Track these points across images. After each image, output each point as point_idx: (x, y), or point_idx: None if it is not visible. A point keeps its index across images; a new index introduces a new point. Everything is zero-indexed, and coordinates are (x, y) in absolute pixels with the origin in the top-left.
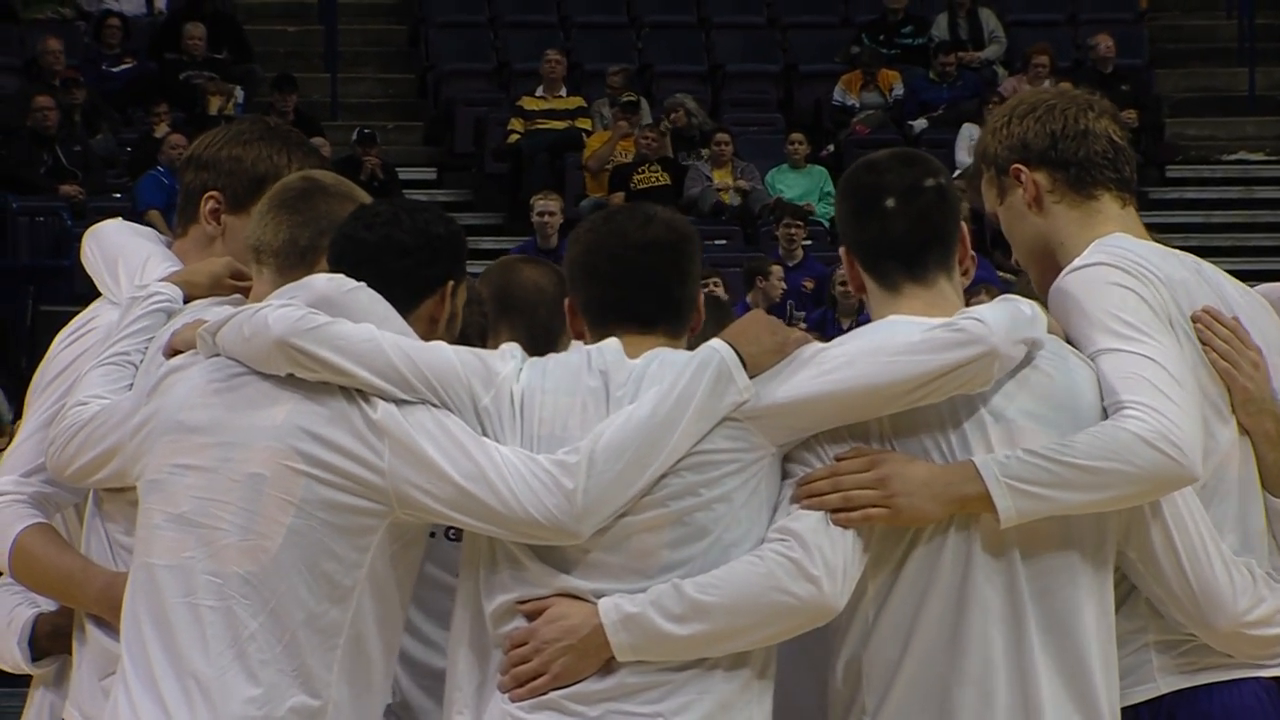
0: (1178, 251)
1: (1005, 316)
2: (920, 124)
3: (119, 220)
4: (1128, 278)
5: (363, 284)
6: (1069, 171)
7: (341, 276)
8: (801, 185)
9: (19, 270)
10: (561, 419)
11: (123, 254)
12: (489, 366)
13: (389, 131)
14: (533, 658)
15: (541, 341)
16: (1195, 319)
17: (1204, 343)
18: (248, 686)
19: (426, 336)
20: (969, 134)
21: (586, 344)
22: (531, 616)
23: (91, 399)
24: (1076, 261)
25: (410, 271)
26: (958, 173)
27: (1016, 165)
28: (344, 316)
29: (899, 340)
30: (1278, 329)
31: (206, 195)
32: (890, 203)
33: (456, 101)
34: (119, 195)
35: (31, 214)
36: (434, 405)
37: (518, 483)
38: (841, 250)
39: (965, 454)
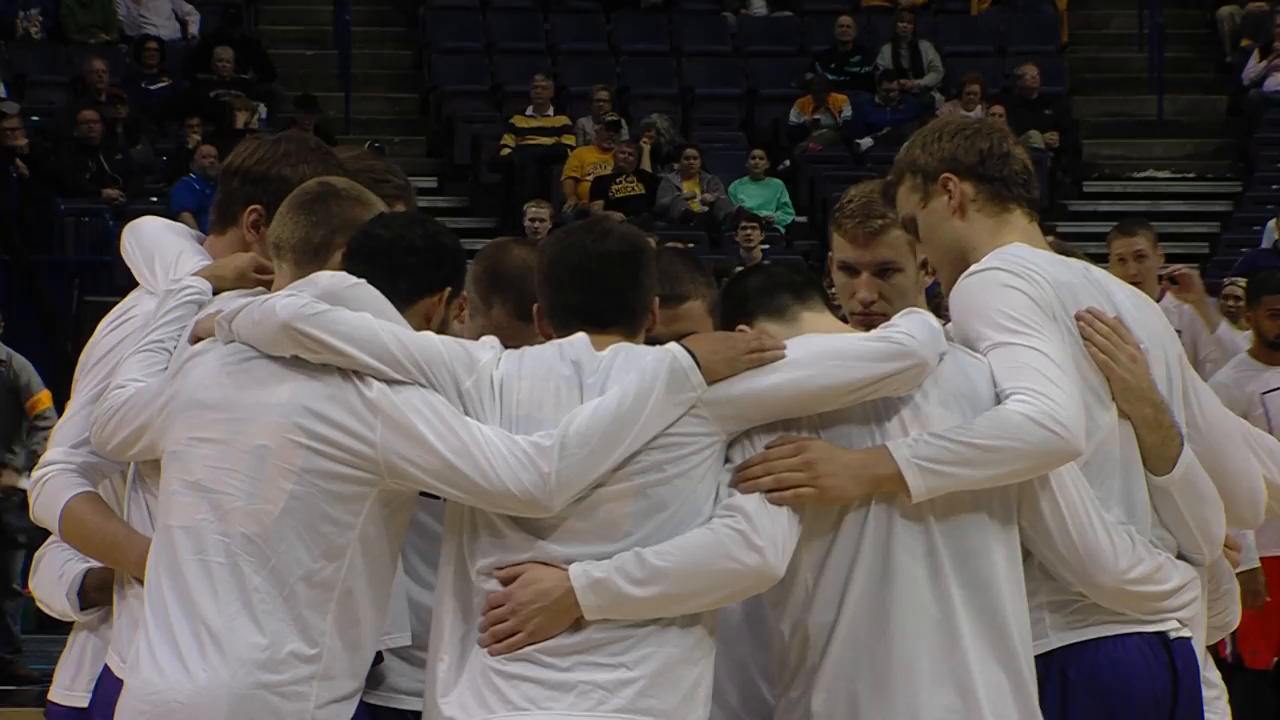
0: (1068, 259)
1: (928, 331)
2: (866, 142)
3: (154, 218)
4: (1016, 279)
5: (363, 281)
6: (992, 185)
7: (343, 273)
8: (761, 195)
9: (66, 265)
10: (537, 402)
11: (158, 249)
12: (471, 354)
13: (396, 145)
14: (509, 618)
15: (528, 310)
16: (1078, 317)
17: (1085, 338)
18: (254, 634)
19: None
20: None
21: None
22: (507, 581)
23: (129, 382)
24: (974, 267)
25: (415, 269)
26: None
27: (947, 175)
28: (343, 308)
29: (843, 348)
30: (1165, 328)
31: (251, 208)
32: (767, 262)
33: (456, 119)
34: (155, 199)
35: (77, 215)
36: (422, 386)
37: (498, 460)
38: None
39: (883, 441)
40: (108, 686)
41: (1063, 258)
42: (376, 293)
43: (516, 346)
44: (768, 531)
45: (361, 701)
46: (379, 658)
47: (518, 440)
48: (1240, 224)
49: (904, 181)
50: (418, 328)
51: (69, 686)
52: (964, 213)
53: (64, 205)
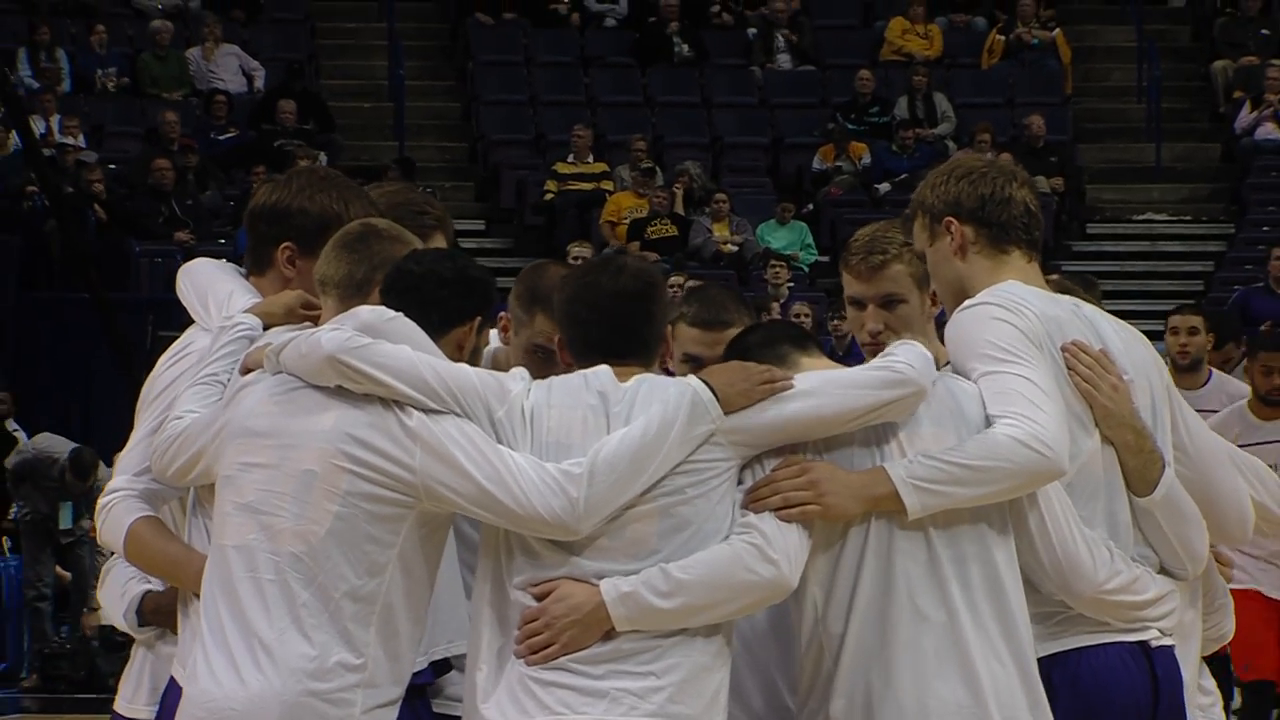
0: (1059, 295)
1: (922, 360)
2: (884, 188)
3: (206, 259)
4: (1005, 312)
5: (400, 314)
6: (991, 229)
7: (383, 308)
8: (786, 238)
9: (141, 302)
10: (566, 429)
11: (211, 288)
12: (503, 385)
13: (446, 190)
14: (544, 630)
15: None
16: (1064, 349)
17: (1070, 369)
18: (304, 645)
19: (452, 359)
20: None
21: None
22: (541, 596)
23: (186, 413)
24: (967, 302)
25: (447, 301)
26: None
27: (949, 218)
28: (384, 340)
29: (847, 377)
30: (1151, 359)
31: (282, 246)
32: (764, 317)
33: (502, 166)
34: (223, 241)
35: (151, 256)
36: (458, 415)
37: (530, 487)
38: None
39: (882, 462)
40: (173, 697)
41: (1053, 294)
42: (413, 324)
43: (558, 349)
44: (781, 545)
45: (426, 709)
46: (447, 666)
47: (548, 468)
48: (1233, 263)
49: (916, 219)
50: (451, 355)
51: (130, 699)
52: (964, 254)
53: (138, 247)
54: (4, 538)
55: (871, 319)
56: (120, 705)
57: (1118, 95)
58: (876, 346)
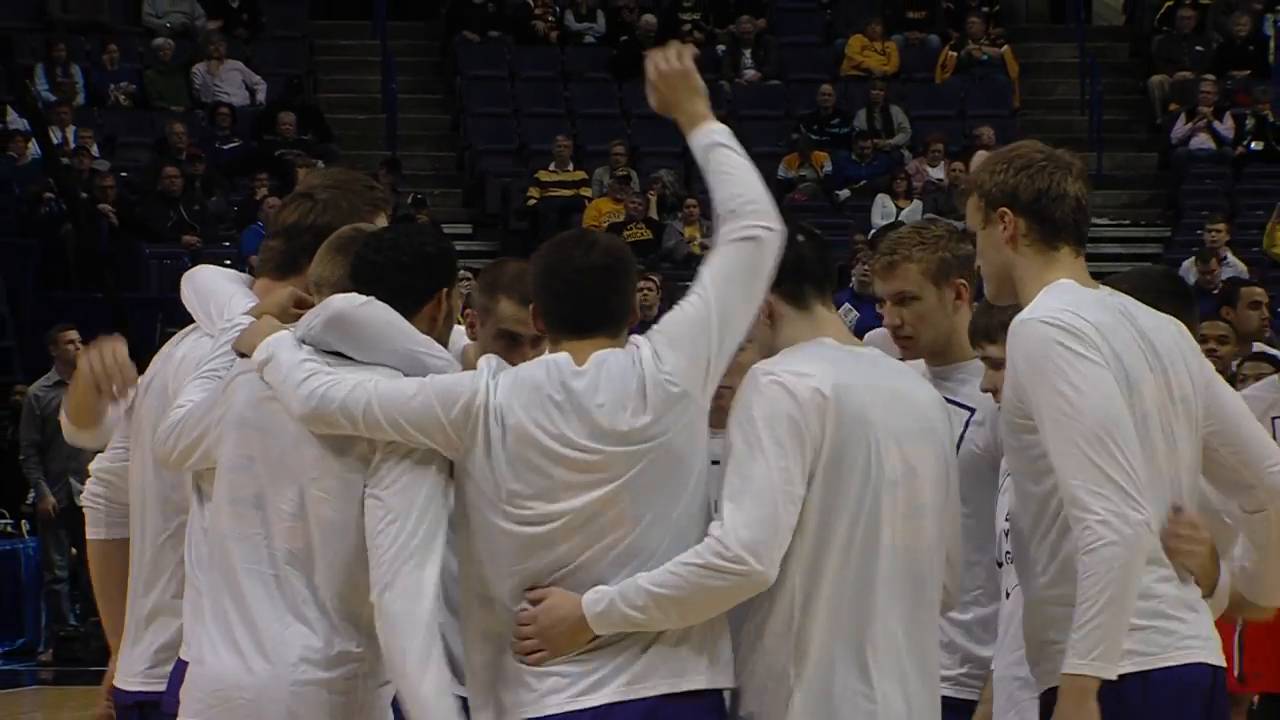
0: (1103, 296)
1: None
2: (844, 194)
3: (209, 266)
4: (1067, 335)
5: (372, 298)
6: (1044, 225)
7: (354, 294)
8: None
9: (150, 302)
10: (533, 420)
11: (213, 293)
12: (470, 385)
13: (435, 196)
14: (534, 636)
15: (529, 299)
16: (1169, 521)
17: (1172, 537)
18: (308, 636)
19: (428, 333)
20: (881, 202)
21: (547, 344)
22: (534, 602)
23: (187, 403)
24: (1027, 312)
25: (410, 284)
26: (885, 224)
27: (1004, 208)
28: (358, 327)
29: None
30: (1178, 336)
31: None
32: (800, 238)
33: (488, 173)
34: (227, 244)
35: (160, 258)
36: (423, 459)
37: (385, 566)
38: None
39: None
40: (179, 678)
41: (1099, 295)
42: (384, 306)
43: (523, 331)
44: (761, 544)
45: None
46: None
47: (405, 576)
48: (1169, 264)
49: (971, 197)
50: (424, 329)
51: (134, 673)
52: (1015, 245)
53: (148, 250)
54: (23, 521)
55: (890, 314)
56: (120, 681)
57: (1062, 108)
58: (898, 340)
